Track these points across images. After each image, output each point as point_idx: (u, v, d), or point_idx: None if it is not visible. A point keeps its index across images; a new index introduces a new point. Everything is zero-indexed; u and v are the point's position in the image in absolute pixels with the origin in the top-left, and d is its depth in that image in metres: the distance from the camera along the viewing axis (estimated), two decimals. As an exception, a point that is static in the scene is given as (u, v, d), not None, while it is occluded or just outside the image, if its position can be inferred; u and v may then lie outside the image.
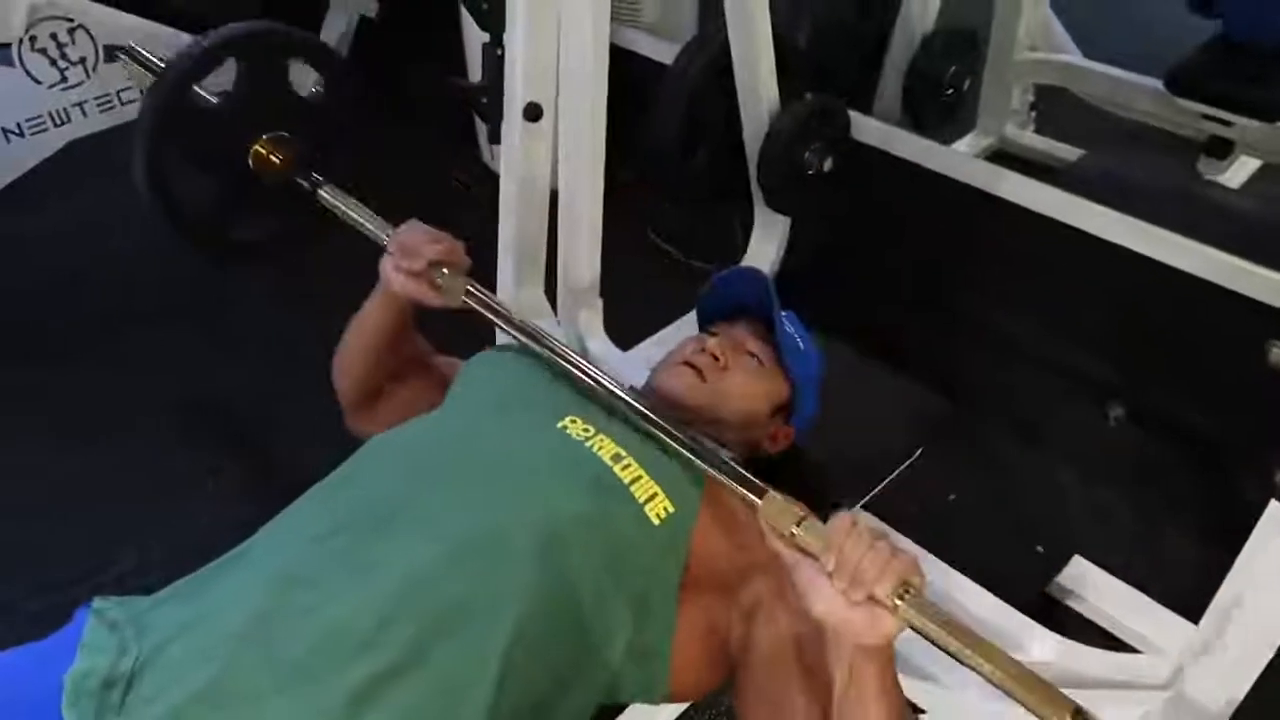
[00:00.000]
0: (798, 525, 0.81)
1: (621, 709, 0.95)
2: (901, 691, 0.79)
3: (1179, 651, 1.19)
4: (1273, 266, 1.48)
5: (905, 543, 1.20)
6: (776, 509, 0.83)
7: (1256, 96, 2.23)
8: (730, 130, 1.84)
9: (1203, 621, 1.14)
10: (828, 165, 1.83)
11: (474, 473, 0.92)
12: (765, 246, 2.01)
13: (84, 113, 2.05)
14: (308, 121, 1.36)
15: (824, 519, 0.82)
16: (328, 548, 0.84)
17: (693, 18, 2.45)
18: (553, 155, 1.47)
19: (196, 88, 1.27)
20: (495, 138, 1.48)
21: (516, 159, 1.44)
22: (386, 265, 1.11)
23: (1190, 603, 1.25)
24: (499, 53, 1.41)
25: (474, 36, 2.31)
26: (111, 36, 2.01)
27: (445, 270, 1.09)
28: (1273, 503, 1.11)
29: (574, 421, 0.98)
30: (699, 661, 0.92)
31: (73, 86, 2.01)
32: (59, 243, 2.38)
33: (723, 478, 0.91)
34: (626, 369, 1.56)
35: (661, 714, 1.03)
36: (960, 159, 1.94)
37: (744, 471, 0.90)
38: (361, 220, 1.22)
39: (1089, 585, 1.44)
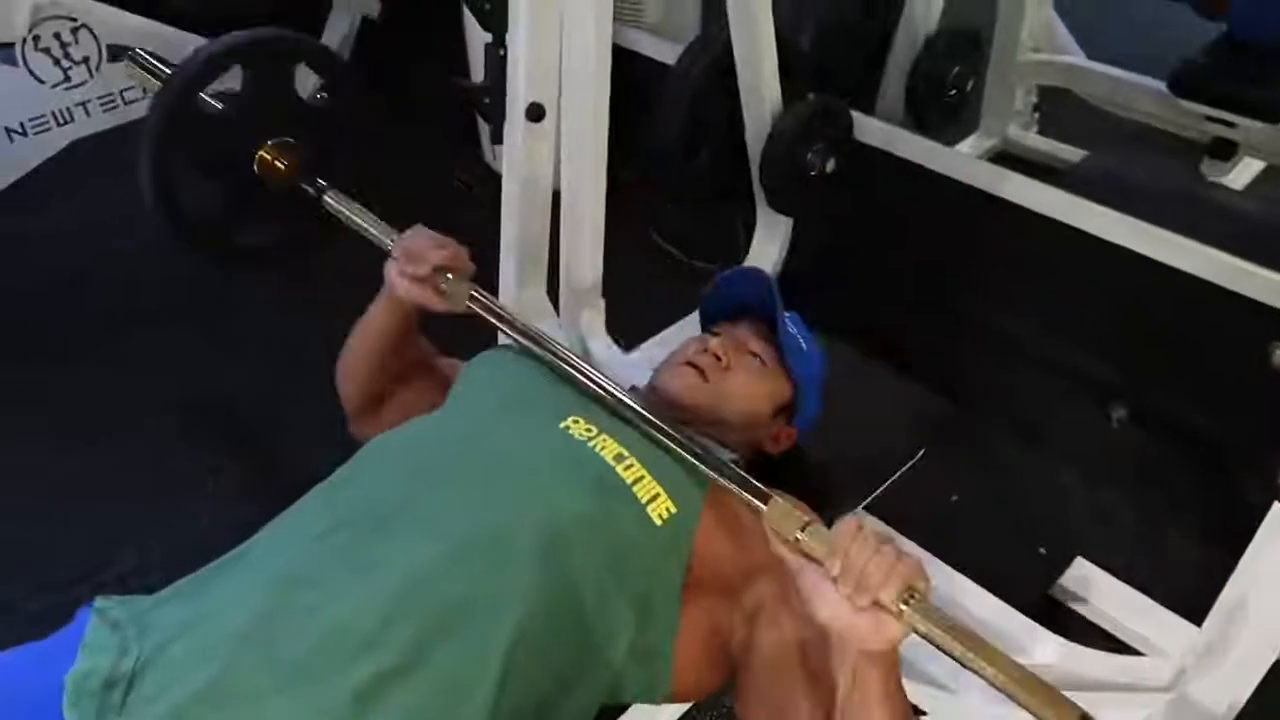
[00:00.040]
0: (802, 530, 0.81)
1: (623, 709, 0.95)
2: (905, 696, 0.79)
3: (1182, 654, 1.19)
4: (1276, 268, 1.48)
5: (907, 545, 1.20)
6: (781, 514, 0.83)
7: (1260, 98, 2.22)
8: (733, 131, 1.84)
9: (1206, 624, 1.14)
10: (830, 166, 1.83)
11: (476, 472, 0.92)
12: (767, 247, 2.01)
13: (87, 112, 2.05)
14: (312, 126, 1.35)
15: (828, 522, 0.82)
16: (329, 547, 0.84)
17: (695, 18, 2.45)
18: (555, 156, 1.47)
19: (201, 94, 1.28)
20: (498, 138, 1.47)
21: (519, 159, 1.43)
22: (391, 270, 1.11)
23: (1193, 605, 1.25)
24: (501, 53, 1.41)
25: (476, 37, 2.30)
26: (115, 36, 2.02)
27: (450, 275, 1.09)
28: (1275, 504, 1.10)
29: (576, 422, 0.98)
30: (701, 662, 0.92)
31: (76, 86, 2.01)
32: (61, 242, 2.38)
33: (726, 482, 0.91)
34: (629, 369, 1.56)
35: (663, 714, 1.03)
36: (963, 160, 1.94)
37: (747, 476, 0.90)
38: (366, 225, 1.22)
39: (1091, 587, 1.44)
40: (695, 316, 1.34)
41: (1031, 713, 0.71)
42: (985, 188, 1.78)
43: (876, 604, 0.74)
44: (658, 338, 1.83)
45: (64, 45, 1.96)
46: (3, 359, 2.00)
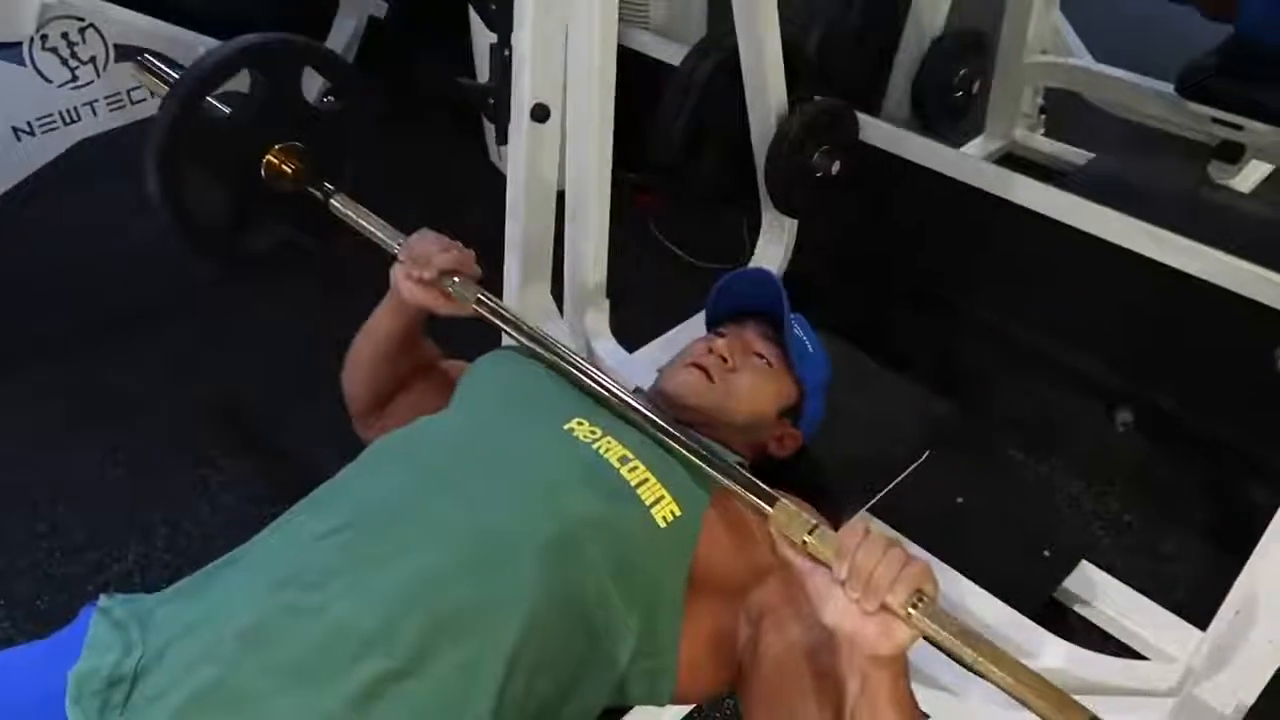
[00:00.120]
0: (809, 533, 0.80)
1: (627, 709, 0.95)
2: (915, 700, 0.79)
3: (1187, 658, 1.18)
4: (1282, 271, 1.48)
5: (911, 548, 1.19)
6: (787, 517, 0.83)
7: (1268, 100, 2.22)
8: (738, 132, 1.84)
9: (1211, 627, 1.13)
10: (835, 168, 1.83)
11: (480, 475, 0.91)
12: (772, 248, 2.01)
13: (94, 112, 2.05)
14: (319, 130, 1.36)
15: (833, 525, 0.82)
16: (332, 548, 0.84)
17: (701, 19, 2.45)
18: (560, 156, 1.47)
19: (209, 99, 1.28)
20: (503, 138, 1.48)
21: (523, 160, 1.44)
22: (398, 273, 1.11)
23: (1198, 608, 1.25)
24: (507, 54, 1.41)
25: (482, 37, 2.31)
26: (122, 36, 2.02)
27: (456, 279, 1.09)
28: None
29: (581, 424, 0.98)
30: (706, 663, 0.92)
31: (83, 85, 2.01)
32: (66, 241, 2.38)
33: (731, 484, 0.90)
34: (633, 370, 1.56)
35: (666, 714, 1.02)
36: (969, 162, 1.93)
37: (753, 479, 0.90)
38: (373, 229, 1.22)
39: (1096, 590, 1.44)
40: (700, 317, 1.34)
41: (1042, 717, 0.70)
42: (991, 190, 1.78)
43: (884, 608, 0.74)
44: (662, 339, 1.84)
45: (71, 45, 1.97)
46: (5, 357, 2.01)
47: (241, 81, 1.32)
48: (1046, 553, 1.46)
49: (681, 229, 2.37)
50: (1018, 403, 1.88)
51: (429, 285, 1.09)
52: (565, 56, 1.39)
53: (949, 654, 0.74)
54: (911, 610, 0.73)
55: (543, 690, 0.81)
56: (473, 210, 1.67)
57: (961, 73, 2.63)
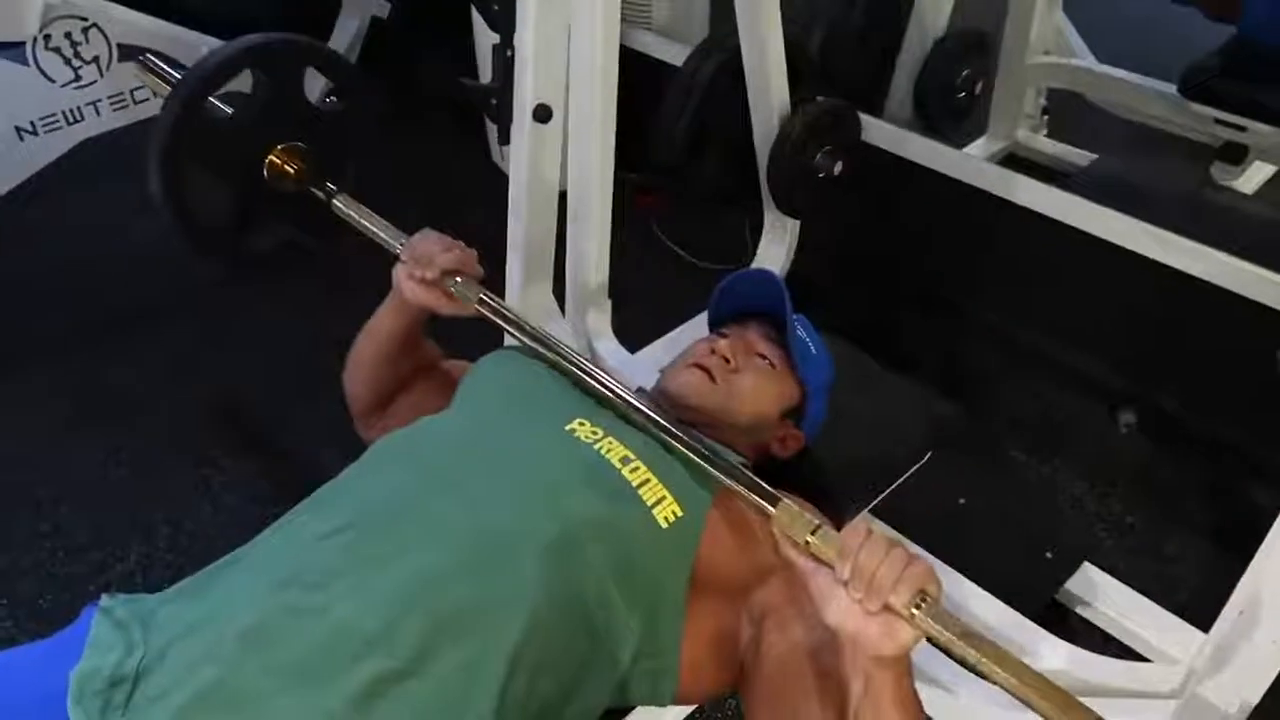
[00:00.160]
0: (812, 534, 0.80)
1: (629, 709, 0.95)
2: (919, 700, 0.79)
3: (1189, 659, 1.18)
4: (1285, 273, 1.48)
5: (913, 548, 1.19)
6: (790, 518, 0.83)
7: (1271, 101, 2.22)
8: (740, 132, 1.84)
9: (1214, 629, 1.13)
10: (838, 168, 1.83)
11: (481, 474, 0.91)
12: (775, 248, 2.01)
13: (97, 111, 2.06)
14: (321, 130, 1.36)
15: (835, 526, 0.82)
16: (334, 548, 0.84)
17: (704, 20, 2.45)
18: (562, 156, 1.47)
19: (211, 99, 1.28)
20: (505, 139, 1.48)
21: (526, 160, 1.44)
22: (400, 273, 1.11)
23: (1201, 610, 1.24)
24: (509, 54, 1.41)
25: (485, 38, 2.31)
26: (125, 36, 2.03)
27: (458, 279, 1.09)
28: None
29: (582, 424, 0.98)
30: (708, 664, 0.92)
31: (86, 85, 2.02)
32: (69, 241, 2.39)
33: (734, 484, 0.90)
34: (635, 370, 1.56)
35: (668, 715, 1.02)
36: (972, 163, 1.93)
37: (756, 479, 0.89)
38: (375, 229, 1.22)
39: (1099, 592, 1.44)
40: (703, 318, 1.34)
41: (1046, 718, 0.70)
42: (994, 191, 1.78)
43: (887, 608, 0.74)
44: (664, 339, 1.84)
45: (75, 44, 1.97)
46: (8, 357, 2.01)
47: (244, 82, 1.32)
48: (1049, 554, 1.46)
49: (684, 229, 2.38)
50: (1020, 404, 1.87)
51: (431, 285, 1.09)
52: (568, 57, 1.39)
53: (952, 655, 0.74)
54: (915, 611, 0.73)
55: (544, 690, 0.81)
56: (475, 210, 1.67)
57: (964, 73, 2.63)
